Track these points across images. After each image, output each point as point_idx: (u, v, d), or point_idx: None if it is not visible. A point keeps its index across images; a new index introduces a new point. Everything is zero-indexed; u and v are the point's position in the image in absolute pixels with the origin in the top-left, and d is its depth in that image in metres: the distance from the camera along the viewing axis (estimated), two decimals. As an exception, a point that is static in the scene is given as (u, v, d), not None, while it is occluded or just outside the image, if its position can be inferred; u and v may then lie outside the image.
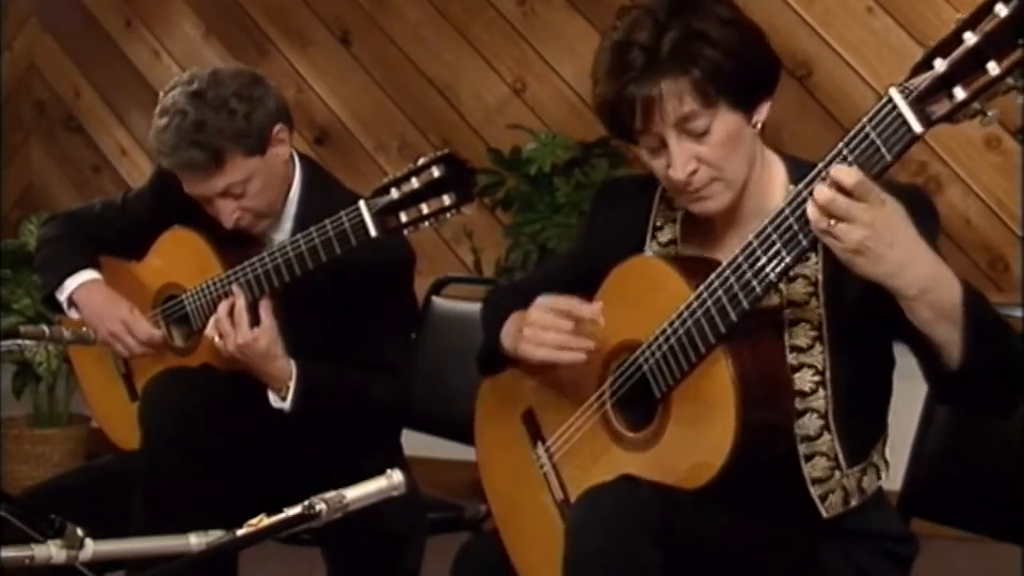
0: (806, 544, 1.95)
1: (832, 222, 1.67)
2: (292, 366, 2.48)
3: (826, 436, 1.93)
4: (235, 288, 2.48)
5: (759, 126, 1.94)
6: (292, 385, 2.47)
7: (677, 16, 1.87)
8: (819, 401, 1.92)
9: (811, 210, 1.69)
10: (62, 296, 2.71)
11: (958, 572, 3.79)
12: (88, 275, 2.70)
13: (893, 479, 2.13)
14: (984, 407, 1.90)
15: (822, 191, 1.68)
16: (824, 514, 1.94)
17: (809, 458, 1.93)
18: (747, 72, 1.89)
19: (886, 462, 2.01)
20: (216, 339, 2.46)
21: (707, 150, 1.90)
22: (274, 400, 2.49)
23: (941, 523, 2.26)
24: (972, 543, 2.42)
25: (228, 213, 2.54)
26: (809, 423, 1.93)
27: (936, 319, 1.73)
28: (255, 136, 2.51)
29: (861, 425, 1.96)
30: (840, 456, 1.94)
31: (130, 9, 5.46)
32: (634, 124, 1.90)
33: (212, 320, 2.47)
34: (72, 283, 2.70)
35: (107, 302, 2.66)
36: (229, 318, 2.44)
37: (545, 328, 1.97)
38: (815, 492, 1.94)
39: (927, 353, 1.79)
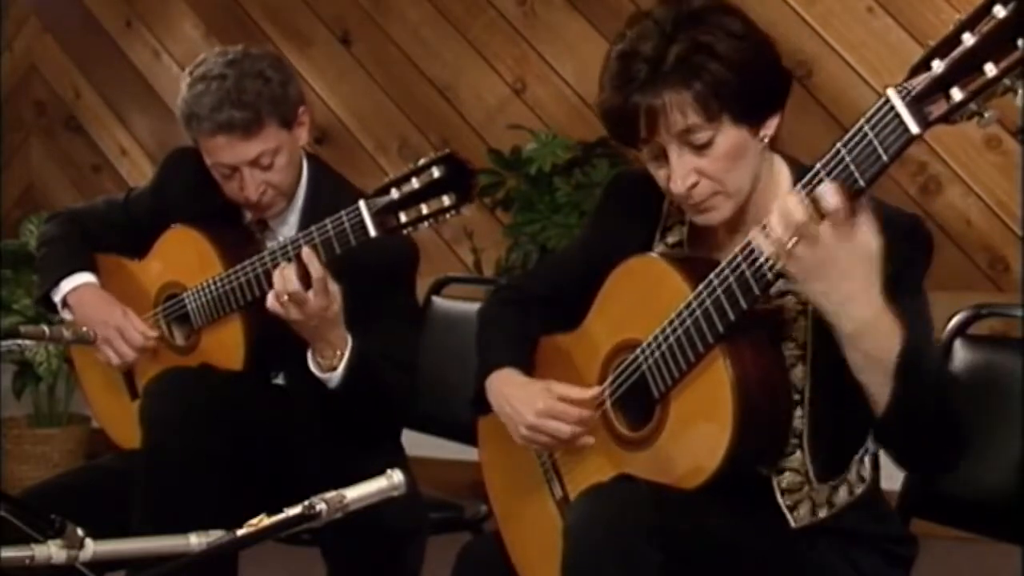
0: (805, 544, 1.95)
1: (794, 240, 1.67)
2: (347, 335, 2.45)
3: (798, 454, 1.92)
4: (283, 262, 2.38)
5: (766, 139, 1.93)
6: (346, 353, 2.44)
7: (684, 29, 1.86)
8: (795, 421, 1.91)
9: (775, 220, 1.69)
10: (57, 298, 2.71)
11: (958, 572, 3.78)
12: (82, 278, 2.70)
13: (893, 479, 2.13)
14: (903, 462, 1.93)
15: (798, 208, 1.67)
16: (792, 523, 1.93)
17: (779, 471, 1.93)
18: (753, 87, 1.88)
19: (861, 478, 1.99)
20: (280, 304, 2.33)
21: (708, 163, 1.89)
22: (319, 371, 2.46)
23: (941, 523, 2.25)
24: (972, 543, 2.42)
25: (255, 185, 2.55)
26: None
27: (865, 365, 1.76)
28: (288, 107, 2.55)
29: (835, 446, 1.94)
30: (810, 473, 1.93)
31: (130, 9, 5.46)
32: (637, 133, 1.90)
33: (281, 281, 2.33)
34: (67, 285, 2.70)
35: (100, 306, 2.65)
36: (303, 282, 2.33)
37: (539, 432, 2.02)
38: (784, 502, 1.93)
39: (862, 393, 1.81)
